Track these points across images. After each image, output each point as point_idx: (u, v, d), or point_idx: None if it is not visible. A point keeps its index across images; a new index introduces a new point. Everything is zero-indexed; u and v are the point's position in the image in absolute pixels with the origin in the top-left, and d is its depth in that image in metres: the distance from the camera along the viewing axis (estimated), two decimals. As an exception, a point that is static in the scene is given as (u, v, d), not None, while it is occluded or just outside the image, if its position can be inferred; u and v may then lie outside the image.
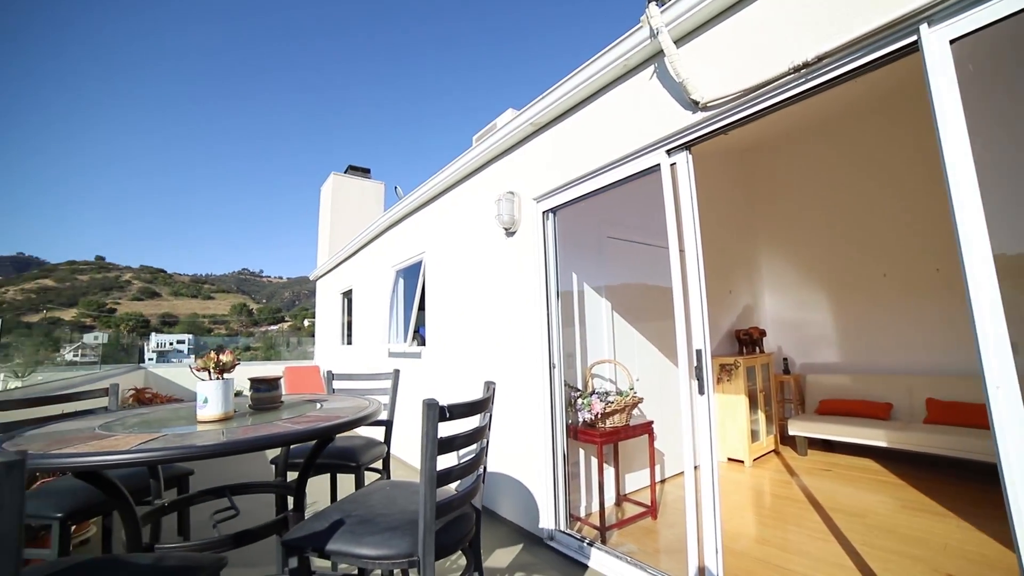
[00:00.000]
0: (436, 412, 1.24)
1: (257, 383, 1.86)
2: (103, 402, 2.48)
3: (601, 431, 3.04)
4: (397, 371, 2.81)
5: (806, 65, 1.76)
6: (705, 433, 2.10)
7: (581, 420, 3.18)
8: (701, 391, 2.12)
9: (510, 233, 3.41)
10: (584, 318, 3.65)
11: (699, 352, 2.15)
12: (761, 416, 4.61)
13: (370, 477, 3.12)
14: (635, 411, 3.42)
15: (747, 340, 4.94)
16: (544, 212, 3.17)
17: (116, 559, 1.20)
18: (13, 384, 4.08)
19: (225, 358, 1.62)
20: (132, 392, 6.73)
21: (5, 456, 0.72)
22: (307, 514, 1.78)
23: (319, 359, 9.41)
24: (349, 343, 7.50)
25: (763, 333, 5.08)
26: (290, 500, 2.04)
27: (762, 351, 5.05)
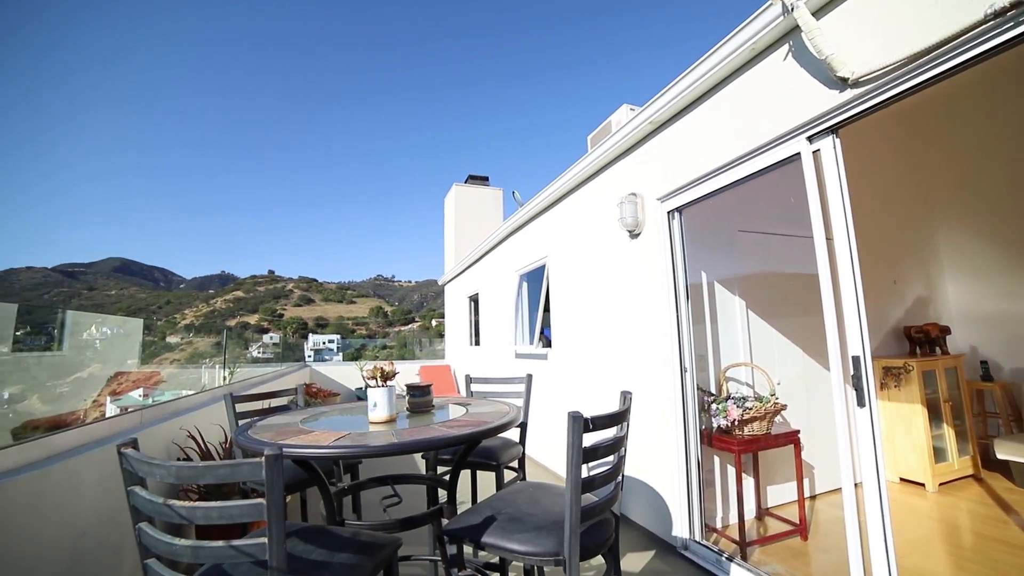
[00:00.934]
0: (580, 424, 1.32)
1: (412, 389, 2.14)
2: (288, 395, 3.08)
3: (739, 439, 2.86)
4: (530, 376, 2.96)
5: (1016, 5, 1.37)
6: (868, 449, 1.87)
7: (716, 426, 3.03)
8: (861, 403, 1.90)
9: (634, 235, 3.38)
10: (716, 318, 3.46)
11: (856, 359, 1.92)
12: (948, 432, 3.82)
13: (507, 475, 3.32)
14: (777, 418, 3.15)
15: (922, 339, 4.20)
16: (669, 212, 3.07)
17: (325, 528, 1.51)
18: (225, 375, 5.16)
19: (388, 368, 1.90)
20: (303, 387, 8.01)
21: (272, 449, 0.98)
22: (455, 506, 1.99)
23: (449, 358, 10.17)
24: (477, 344, 8.00)
25: (945, 330, 4.27)
26: (440, 492, 2.28)
27: (945, 352, 4.24)
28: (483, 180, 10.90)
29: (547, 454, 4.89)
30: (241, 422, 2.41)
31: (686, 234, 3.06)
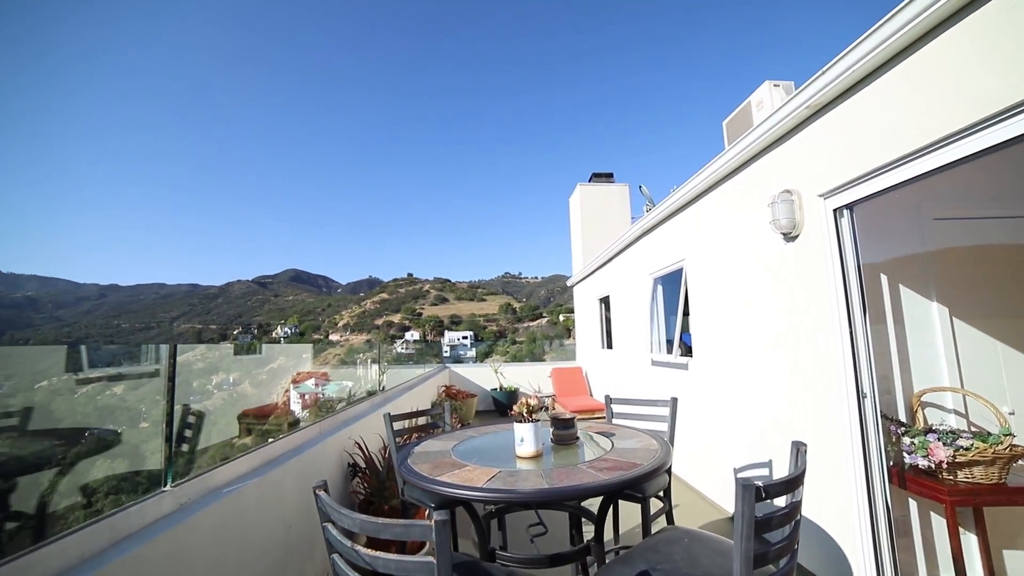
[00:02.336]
0: (752, 493, 1.17)
1: (556, 422, 2.14)
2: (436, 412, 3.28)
3: (950, 486, 2.32)
4: (675, 400, 2.77)
5: None
6: None
7: (910, 464, 2.50)
8: None
9: (790, 237, 2.96)
10: (903, 330, 2.86)
11: None
12: None
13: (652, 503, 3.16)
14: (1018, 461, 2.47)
15: None
16: (835, 210, 2.62)
17: (481, 565, 1.57)
18: (378, 370, 5.83)
19: (533, 402, 1.92)
20: (443, 388, 8.62)
21: (440, 515, 1.03)
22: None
23: (580, 360, 10.13)
24: (609, 347, 7.83)
25: None
26: (584, 524, 2.24)
27: None
28: (608, 177, 10.58)
29: (690, 471, 4.57)
30: (397, 438, 2.67)
31: (858, 230, 2.58)
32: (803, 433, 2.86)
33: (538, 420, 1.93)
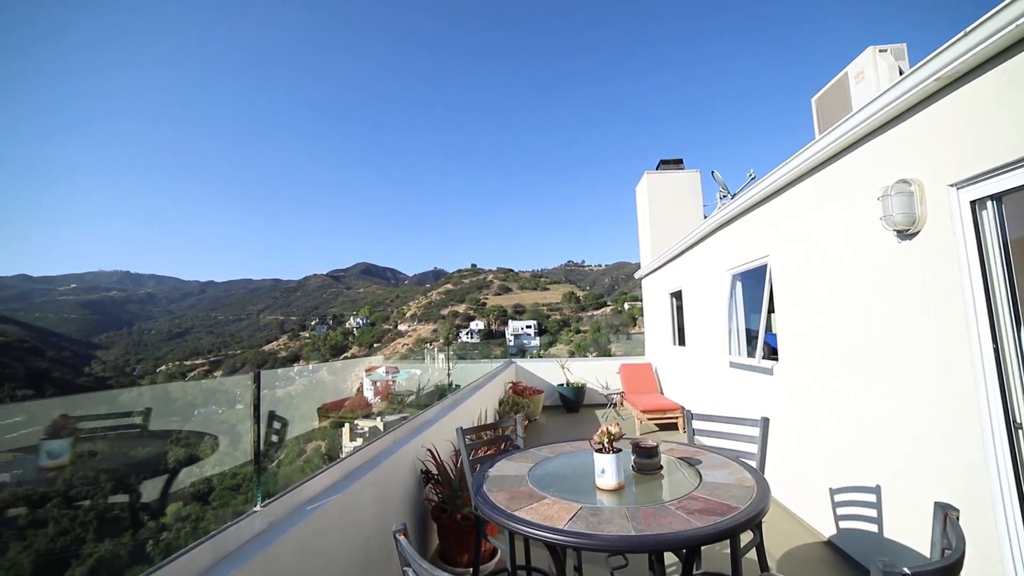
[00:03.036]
0: (897, 582, 0.96)
1: (638, 450, 1.99)
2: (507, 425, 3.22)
3: None
4: (766, 419, 2.50)
5: None
6: None
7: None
8: None
9: (906, 235, 2.56)
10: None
11: None
12: None
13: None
14: None
15: None
16: (974, 202, 2.21)
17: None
18: (447, 356, 5.97)
19: (615, 430, 1.78)
20: (510, 385, 8.62)
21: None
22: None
23: (650, 356, 9.75)
24: (681, 344, 7.44)
25: None
26: (666, 557, 2.07)
27: None
28: (677, 164, 9.97)
29: (777, 485, 4.18)
30: (468, 444, 2.64)
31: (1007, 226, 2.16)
32: (921, 463, 2.48)
33: (621, 450, 1.78)
